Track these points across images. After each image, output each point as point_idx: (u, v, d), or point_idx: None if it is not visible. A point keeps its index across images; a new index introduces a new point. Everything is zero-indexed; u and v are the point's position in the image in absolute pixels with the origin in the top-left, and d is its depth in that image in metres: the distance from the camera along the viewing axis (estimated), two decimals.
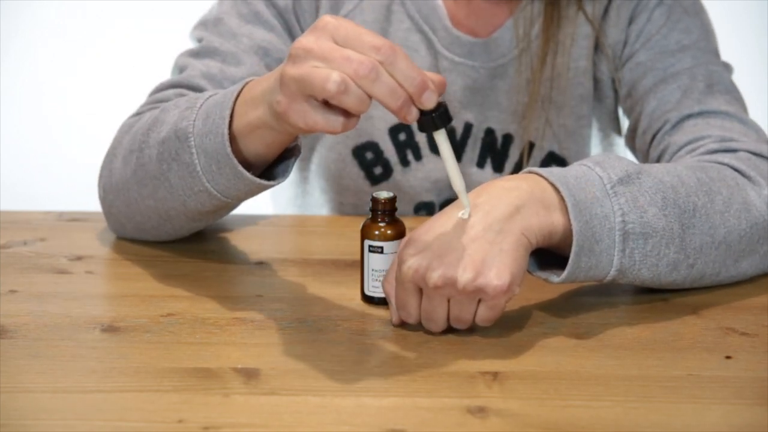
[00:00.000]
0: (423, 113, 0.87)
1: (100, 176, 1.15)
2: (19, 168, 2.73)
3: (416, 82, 0.85)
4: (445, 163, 0.90)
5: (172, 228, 1.12)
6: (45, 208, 1.28)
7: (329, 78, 0.84)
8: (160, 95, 1.17)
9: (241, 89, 0.98)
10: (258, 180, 0.99)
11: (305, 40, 0.86)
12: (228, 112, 0.98)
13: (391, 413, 0.83)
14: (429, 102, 0.86)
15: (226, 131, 0.97)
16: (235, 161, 0.98)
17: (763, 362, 0.92)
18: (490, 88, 1.29)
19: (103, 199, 1.15)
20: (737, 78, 1.25)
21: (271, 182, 1.01)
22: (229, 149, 0.98)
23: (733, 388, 0.87)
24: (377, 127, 1.30)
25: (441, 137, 0.89)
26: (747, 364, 0.91)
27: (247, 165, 1.00)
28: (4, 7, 2.75)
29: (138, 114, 1.15)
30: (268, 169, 1.03)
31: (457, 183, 0.90)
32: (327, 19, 0.87)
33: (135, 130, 1.10)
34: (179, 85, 1.18)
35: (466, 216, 0.92)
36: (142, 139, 1.07)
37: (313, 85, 0.85)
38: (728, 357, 0.93)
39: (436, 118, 0.87)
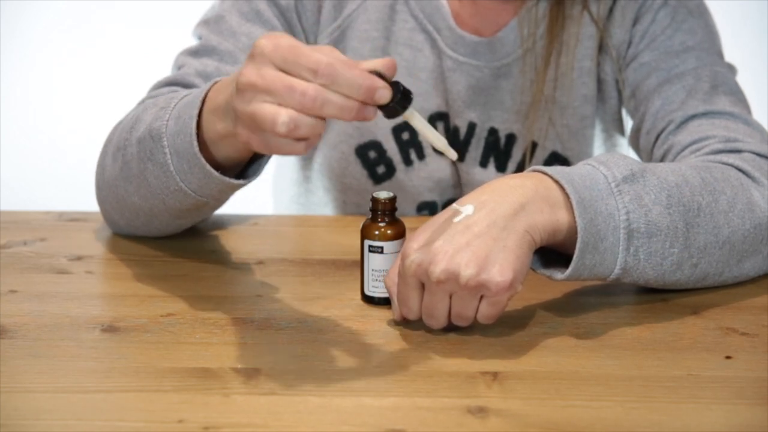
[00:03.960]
0: (382, 105, 0.87)
1: (96, 173, 1.16)
2: (19, 168, 2.73)
3: (363, 89, 0.85)
4: (421, 132, 0.91)
5: (159, 224, 1.13)
6: (45, 208, 1.28)
7: (276, 120, 0.85)
8: (155, 92, 1.18)
9: (209, 90, 0.99)
10: (227, 179, 1.00)
11: (247, 74, 0.86)
12: (195, 112, 0.98)
13: (391, 413, 0.83)
14: (382, 99, 0.86)
15: (193, 131, 0.98)
16: (203, 160, 0.99)
17: (763, 362, 0.92)
18: (494, 88, 1.29)
19: (98, 195, 1.17)
20: (738, 79, 1.25)
21: (241, 181, 1.02)
22: (196, 148, 0.99)
23: (733, 388, 0.87)
24: (380, 126, 1.30)
25: (409, 117, 0.89)
26: (747, 364, 0.91)
27: (221, 165, 1.01)
28: (4, 8, 2.75)
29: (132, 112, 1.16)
30: (246, 168, 1.04)
31: (439, 144, 0.91)
32: (262, 44, 0.86)
33: (122, 128, 1.12)
34: (174, 83, 1.19)
35: (470, 212, 0.92)
36: (126, 137, 1.09)
37: (263, 125, 0.86)
38: (728, 357, 0.93)
39: (396, 105, 0.87)
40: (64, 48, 2.80)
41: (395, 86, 0.87)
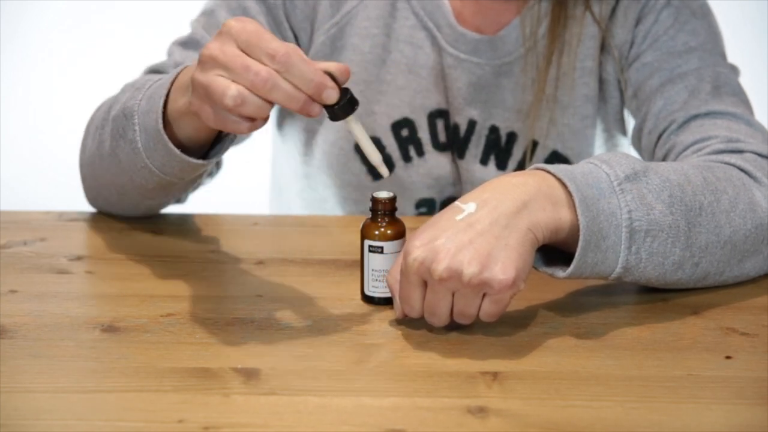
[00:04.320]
0: (327, 106, 0.92)
1: (79, 151, 1.22)
2: (19, 168, 2.72)
3: (313, 84, 0.90)
4: (360, 143, 0.96)
5: (130, 202, 1.17)
6: (45, 208, 1.28)
7: (226, 93, 0.90)
8: (139, 78, 1.22)
9: (179, 72, 1.04)
10: (186, 157, 1.04)
11: (211, 47, 0.92)
12: (164, 92, 1.03)
13: (391, 413, 0.83)
14: (329, 99, 0.91)
15: (160, 110, 1.03)
16: (166, 138, 1.03)
17: (763, 362, 0.92)
18: (495, 86, 1.29)
19: (80, 173, 1.22)
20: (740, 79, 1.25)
21: (201, 161, 1.05)
22: (161, 126, 1.03)
23: (733, 388, 0.87)
24: (379, 122, 1.30)
25: (351, 123, 0.94)
26: (747, 364, 0.91)
27: (184, 146, 1.05)
28: (5, 8, 2.75)
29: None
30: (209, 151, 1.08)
31: (374, 158, 0.96)
32: (231, 24, 0.92)
33: (103, 109, 1.17)
34: (156, 71, 1.23)
35: (472, 209, 0.93)
36: (104, 117, 1.14)
37: (213, 96, 0.91)
38: (728, 357, 0.93)
39: (340, 109, 0.92)
40: (65, 48, 2.79)
41: (344, 91, 0.92)
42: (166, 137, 1.03)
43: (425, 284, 0.93)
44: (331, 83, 0.91)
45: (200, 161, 1.05)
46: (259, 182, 1.67)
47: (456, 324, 0.95)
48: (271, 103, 0.91)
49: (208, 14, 1.27)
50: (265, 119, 0.93)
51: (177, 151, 1.04)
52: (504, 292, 0.91)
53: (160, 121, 1.03)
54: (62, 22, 2.79)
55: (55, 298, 1.03)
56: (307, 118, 1.33)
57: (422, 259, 0.92)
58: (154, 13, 2.72)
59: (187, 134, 1.04)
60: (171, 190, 1.14)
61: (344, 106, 0.92)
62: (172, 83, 1.03)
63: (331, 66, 0.92)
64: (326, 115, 0.93)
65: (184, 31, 1.28)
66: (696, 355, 0.93)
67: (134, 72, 1.27)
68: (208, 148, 1.08)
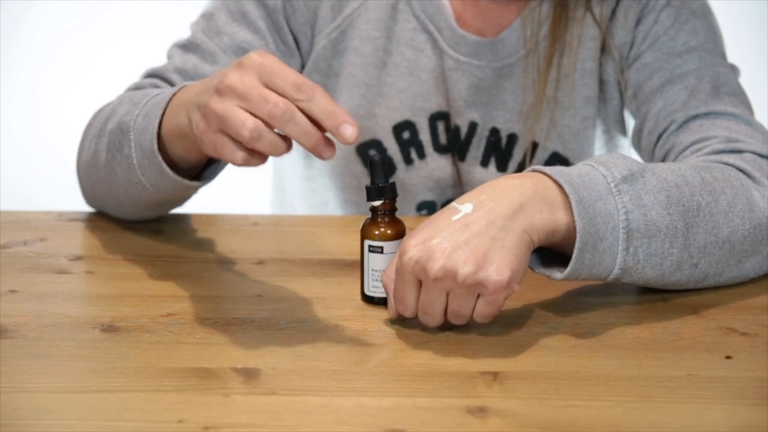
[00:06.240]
0: (368, 187, 0.97)
1: (76, 154, 1.22)
2: (19, 168, 2.72)
3: (333, 115, 0.88)
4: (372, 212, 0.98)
5: (125, 211, 1.19)
6: (45, 208, 1.28)
7: (244, 125, 0.89)
8: (139, 82, 1.23)
9: (175, 93, 1.03)
10: (179, 178, 1.05)
11: (231, 76, 0.90)
12: (160, 112, 1.03)
13: (391, 413, 0.83)
14: (345, 133, 0.88)
15: (155, 130, 1.03)
16: (160, 159, 1.04)
17: (764, 362, 0.92)
18: (496, 88, 1.29)
19: (77, 175, 1.23)
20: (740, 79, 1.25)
21: (193, 183, 1.07)
22: (155, 146, 1.03)
23: (733, 388, 0.87)
24: (381, 125, 1.31)
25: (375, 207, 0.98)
26: (747, 364, 0.91)
27: (177, 165, 1.06)
28: (5, 8, 2.75)
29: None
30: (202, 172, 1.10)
31: None
32: (253, 56, 0.91)
33: (101, 117, 1.17)
34: (155, 75, 1.24)
35: (469, 210, 0.93)
36: (101, 126, 1.15)
37: (229, 127, 0.90)
38: (728, 357, 0.93)
39: (378, 193, 0.97)
40: (65, 48, 2.79)
41: (391, 184, 0.98)
42: (160, 158, 1.04)
43: (420, 284, 0.93)
44: (350, 119, 0.88)
45: (193, 183, 1.07)
46: (260, 182, 1.68)
47: (450, 324, 0.95)
48: (288, 144, 0.90)
49: (207, 17, 1.27)
50: (266, 158, 0.91)
51: (170, 172, 1.04)
52: (498, 293, 0.91)
53: (155, 141, 1.03)
54: (63, 22, 2.79)
55: (55, 298, 1.03)
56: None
57: (417, 258, 0.92)
58: (154, 13, 2.72)
59: (179, 154, 1.05)
60: (165, 205, 1.16)
61: (388, 188, 0.97)
62: (168, 102, 1.03)
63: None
64: (332, 144, 0.92)
65: (185, 32, 1.28)
66: (696, 355, 0.93)
67: (135, 72, 1.27)
68: (202, 168, 1.09)
